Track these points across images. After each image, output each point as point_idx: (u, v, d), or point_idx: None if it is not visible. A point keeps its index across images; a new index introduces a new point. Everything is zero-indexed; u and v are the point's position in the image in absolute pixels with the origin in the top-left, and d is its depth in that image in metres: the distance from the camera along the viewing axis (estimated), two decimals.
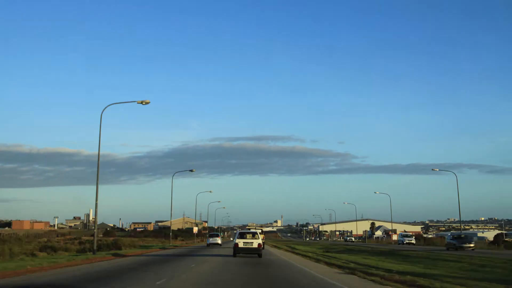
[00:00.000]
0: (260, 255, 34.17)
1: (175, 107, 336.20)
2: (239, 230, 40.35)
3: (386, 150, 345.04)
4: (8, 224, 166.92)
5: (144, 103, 38.69)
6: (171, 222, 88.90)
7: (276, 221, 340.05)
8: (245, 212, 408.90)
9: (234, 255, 34.28)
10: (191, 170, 76.71)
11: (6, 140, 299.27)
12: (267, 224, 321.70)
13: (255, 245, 33.79)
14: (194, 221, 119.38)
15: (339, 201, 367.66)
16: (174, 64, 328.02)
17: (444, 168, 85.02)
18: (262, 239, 38.92)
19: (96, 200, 38.38)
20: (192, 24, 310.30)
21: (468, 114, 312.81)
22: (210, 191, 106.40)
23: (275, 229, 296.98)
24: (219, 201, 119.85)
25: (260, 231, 53.60)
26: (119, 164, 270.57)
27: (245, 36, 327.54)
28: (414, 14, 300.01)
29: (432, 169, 74.38)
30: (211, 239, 64.70)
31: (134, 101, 39.91)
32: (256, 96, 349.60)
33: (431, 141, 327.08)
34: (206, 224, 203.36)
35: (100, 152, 38.71)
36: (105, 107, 39.12)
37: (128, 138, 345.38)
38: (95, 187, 38.25)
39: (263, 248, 41.01)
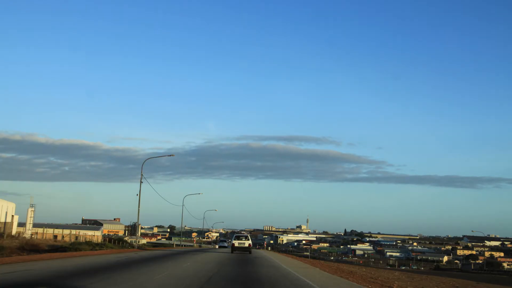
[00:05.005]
0: (250, 252, 43.09)
1: (203, 100, 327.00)
2: (235, 234, 48.80)
3: (424, 160, 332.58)
4: None
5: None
6: None
7: (300, 226, 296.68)
8: (263, 215, 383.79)
9: (232, 252, 43.31)
10: (171, 155, 62.62)
11: (21, 128, 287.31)
12: (287, 229, 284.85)
13: (246, 245, 43.42)
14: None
15: (371, 212, 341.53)
16: (201, 60, 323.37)
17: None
18: (251, 241, 46.46)
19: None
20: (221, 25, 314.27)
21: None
22: (200, 193, 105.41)
23: (303, 239, 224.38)
24: (215, 210, 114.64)
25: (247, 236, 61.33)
26: (139, 161, 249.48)
27: (279, 35, 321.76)
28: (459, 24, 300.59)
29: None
30: (220, 243, 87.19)
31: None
32: (291, 95, 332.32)
33: (472, 153, 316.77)
34: (125, 229, 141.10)
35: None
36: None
37: (149, 133, 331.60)
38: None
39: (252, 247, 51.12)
